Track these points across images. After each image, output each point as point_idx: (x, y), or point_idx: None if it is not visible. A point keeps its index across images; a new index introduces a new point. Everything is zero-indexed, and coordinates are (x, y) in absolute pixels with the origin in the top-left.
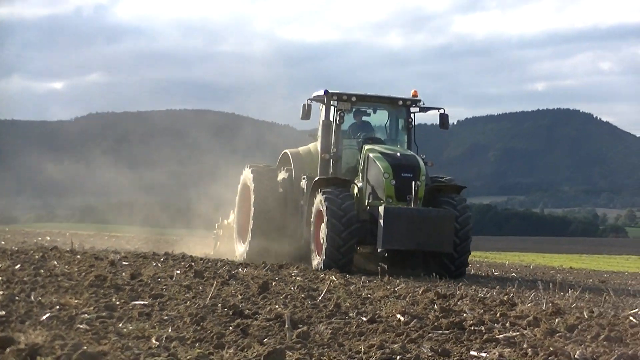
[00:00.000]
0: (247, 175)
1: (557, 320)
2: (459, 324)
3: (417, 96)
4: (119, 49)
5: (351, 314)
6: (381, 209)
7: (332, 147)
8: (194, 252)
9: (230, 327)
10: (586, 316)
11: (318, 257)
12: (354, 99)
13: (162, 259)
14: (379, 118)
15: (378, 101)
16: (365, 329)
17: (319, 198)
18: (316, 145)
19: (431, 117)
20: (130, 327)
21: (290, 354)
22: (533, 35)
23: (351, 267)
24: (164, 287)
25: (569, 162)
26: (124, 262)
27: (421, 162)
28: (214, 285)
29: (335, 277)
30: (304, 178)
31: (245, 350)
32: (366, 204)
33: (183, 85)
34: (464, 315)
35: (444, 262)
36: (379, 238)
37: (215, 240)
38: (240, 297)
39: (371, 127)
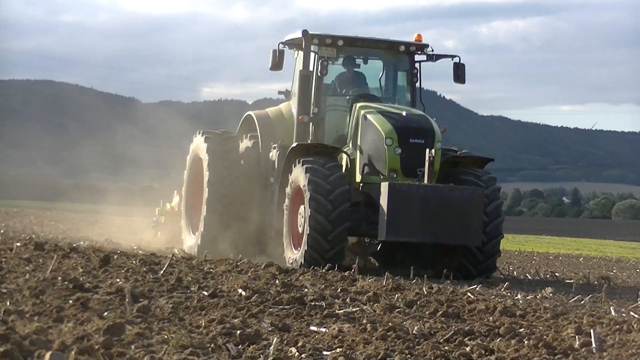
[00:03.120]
0: (198, 144)
1: (396, 296)
2: (300, 299)
3: (421, 41)
4: None
5: (193, 289)
6: (384, 186)
7: (312, 106)
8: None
9: (70, 301)
10: (425, 292)
11: (295, 251)
12: (340, 42)
13: (1, 231)
14: (370, 71)
15: (373, 46)
16: (206, 303)
17: (298, 171)
18: (290, 106)
19: None
20: None
21: (130, 328)
22: (378, 12)
23: (341, 263)
24: (3, 259)
25: None
26: None
27: (435, 125)
28: (55, 258)
29: (178, 251)
30: (274, 147)
31: (84, 324)
32: (359, 180)
33: (24, 56)
34: (305, 290)
35: (462, 262)
36: (380, 226)
37: (155, 228)
38: (81, 270)
39: (364, 80)
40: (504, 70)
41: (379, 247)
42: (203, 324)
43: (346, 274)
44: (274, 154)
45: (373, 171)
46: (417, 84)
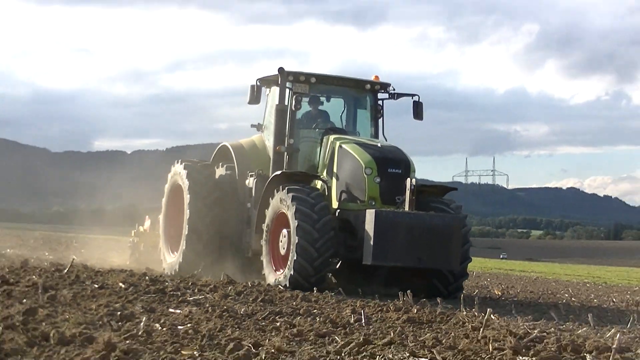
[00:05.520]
0: (178, 172)
1: (230, 288)
2: (162, 290)
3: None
4: None
5: (87, 283)
6: (370, 213)
7: (287, 137)
8: None
9: None
10: (250, 285)
11: (279, 272)
12: (313, 79)
13: None
14: (332, 109)
15: (341, 84)
16: (96, 293)
17: (282, 196)
18: (262, 138)
19: None
20: None
21: (42, 310)
22: (218, 89)
23: (324, 285)
24: None
25: None
26: None
27: (408, 156)
28: None
29: (76, 256)
30: (251, 175)
31: (9, 307)
32: (335, 206)
33: None
34: (167, 284)
35: (434, 283)
36: (366, 251)
37: (131, 249)
38: (7, 270)
39: (328, 117)
40: None
41: (337, 265)
42: (94, 307)
43: (195, 272)
44: (250, 181)
45: (351, 198)
46: (381, 120)
